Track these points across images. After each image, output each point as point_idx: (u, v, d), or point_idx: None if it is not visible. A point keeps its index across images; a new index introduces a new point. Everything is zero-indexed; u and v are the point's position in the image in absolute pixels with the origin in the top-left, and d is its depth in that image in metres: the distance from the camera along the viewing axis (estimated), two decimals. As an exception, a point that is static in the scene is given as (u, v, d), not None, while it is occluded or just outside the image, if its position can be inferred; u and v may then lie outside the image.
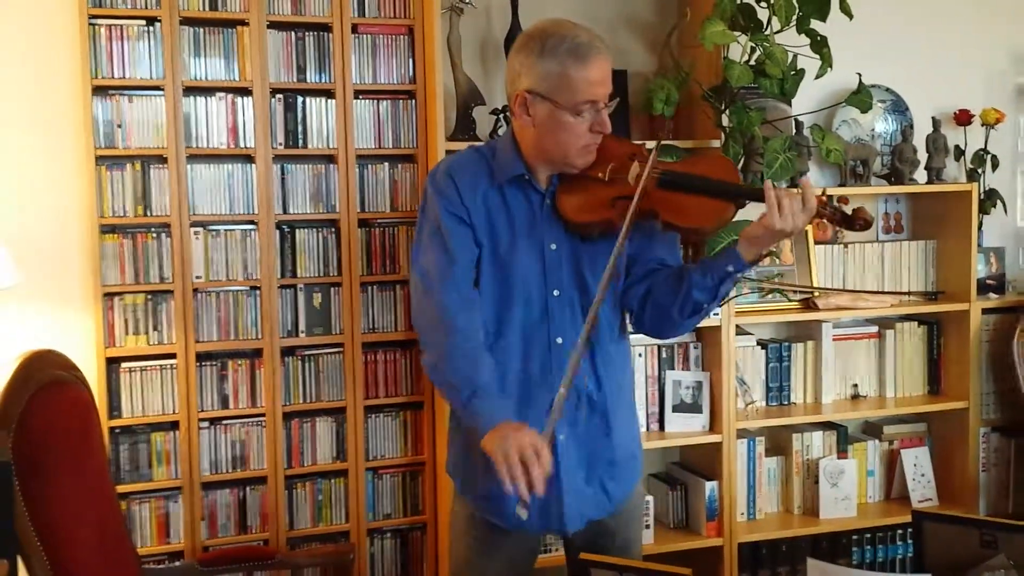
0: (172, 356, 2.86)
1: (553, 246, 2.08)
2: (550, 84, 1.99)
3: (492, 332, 2.08)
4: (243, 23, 2.86)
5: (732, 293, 3.11)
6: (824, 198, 1.96)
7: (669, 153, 3.01)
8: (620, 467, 2.18)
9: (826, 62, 2.98)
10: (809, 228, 3.45)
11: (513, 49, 2.07)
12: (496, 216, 2.09)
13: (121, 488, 2.79)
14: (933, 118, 3.45)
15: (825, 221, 2.01)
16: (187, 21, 2.83)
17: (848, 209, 1.99)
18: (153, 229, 2.84)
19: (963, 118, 3.53)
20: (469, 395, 1.95)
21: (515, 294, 2.08)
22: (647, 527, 3.19)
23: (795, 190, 1.96)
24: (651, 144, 3.03)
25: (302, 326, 2.97)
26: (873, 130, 3.54)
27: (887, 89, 3.54)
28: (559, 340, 2.07)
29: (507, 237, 2.08)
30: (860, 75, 3.09)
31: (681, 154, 3.05)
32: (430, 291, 2.05)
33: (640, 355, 3.22)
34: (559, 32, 2.00)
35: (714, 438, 3.21)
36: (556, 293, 2.08)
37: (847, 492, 3.39)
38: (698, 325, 2.23)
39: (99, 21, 2.74)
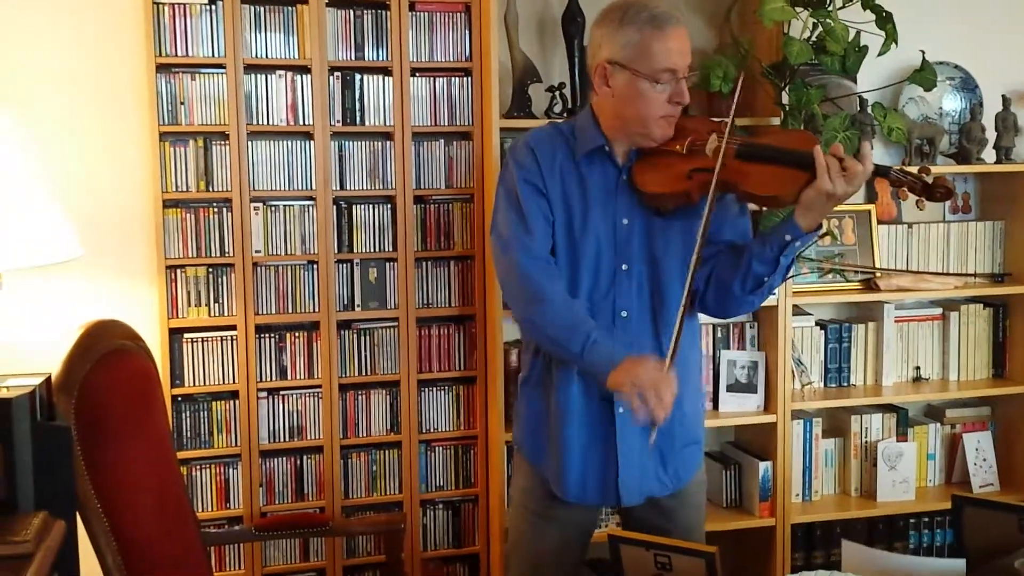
0: (232, 328, 2.94)
1: (625, 220, 2.12)
2: (629, 53, 2.03)
3: None
4: (303, 1, 2.91)
5: (791, 272, 3.09)
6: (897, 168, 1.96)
7: (745, 130, 2.98)
8: (683, 449, 2.22)
9: (890, 38, 2.91)
10: (872, 207, 3.40)
11: (594, 23, 2.12)
12: (571, 189, 2.13)
13: (182, 454, 2.89)
14: (1003, 96, 3.35)
15: (906, 190, 1.99)
16: (248, 0, 2.88)
17: (929, 178, 1.97)
18: (214, 204, 2.91)
19: (1034, 96, 3.43)
20: (582, 344, 2.02)
21: (583, 265, 2.12)
22: (699, 506, 3.19)
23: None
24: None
25: (358, 300, 3.03)
26: (941, 108, 3.45)
27: (956, 66, 3.44)
28: (624, 314, 2.12)
29: (580, 209, 2.12)
30: (923, 52, 3.02)
31: (750, 132, 3.03)
32: (508, 251, 2.12)
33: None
34: (639, 2, 2.04)
35: (768, 418, 3.19)
36: (624, 267, 2.12)
37: (905, 475, 3.34)
38: (761, 304, 2.22)
39: (163, 1, 2.81)
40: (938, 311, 3.46)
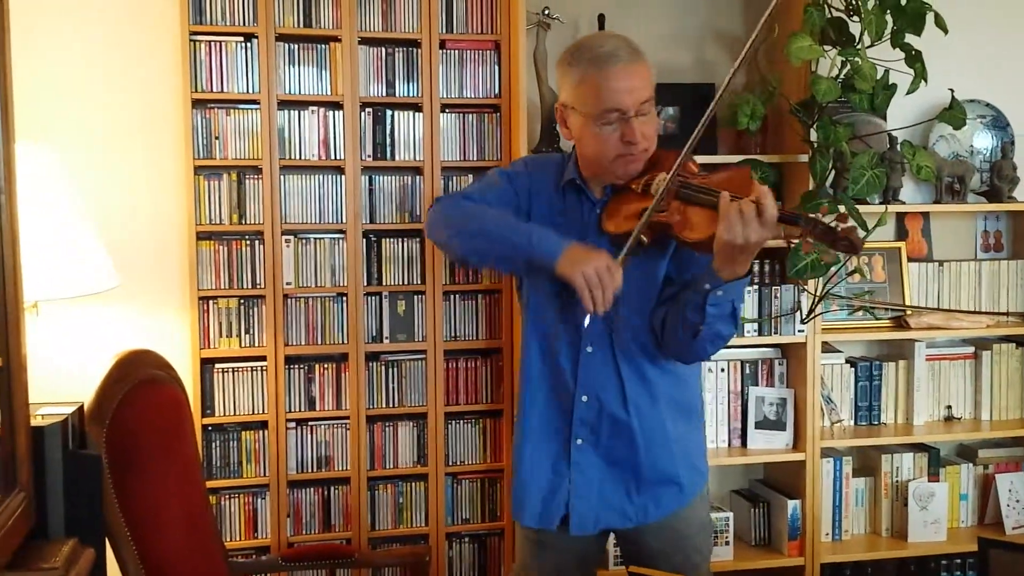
0: (263, 359, 2.98)
1: None
2: (576, 95, 2.04)
3: (529, 322, 2.16)
4: (336, 39, 2.96)
5: (819, 309, 3.09)
6: (798, 212, 1.87)
7: (754, 168, 2.99)
8: (655, 487, 2.17)
9: (919, 76, 2.91)
10: (902, 244, 3.38)
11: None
12: (554, 216, 2.15)
13: (212, 484, 2.92)
14: (1035, 134, 3.34)
15: (809, 239, 1.89)
16: (282, 37, 2.94)
17: (836, 224, 1.86)
18: (247, 237, 2.95)
19: (1067, 134, 3.41)
20: (527, 236, 2.01)
21: (551, 294, 2.12)
22: (727, 543, 3.17)
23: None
24: (736, 159, 3.05)
25: (386, 332, 3.05)
26: (972, 146, 3.44)
27: (987, 104, 3.43)
28: (589, 349, 2.11)
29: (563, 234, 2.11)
30: (952, 91, 3.02)
31: (766, 170, 3.03)
32: (454, 198, 2.17)
33: (723, 370, 3.20)
34: (586, 43, 2.06)
35: (797, 456, 3.17)
36: None
37: (937, 516, 3.29)
38: (716, 352, 2.13)
39: (199, 37, 2.87)
40: (970, 350, 3.43)
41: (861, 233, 1.94)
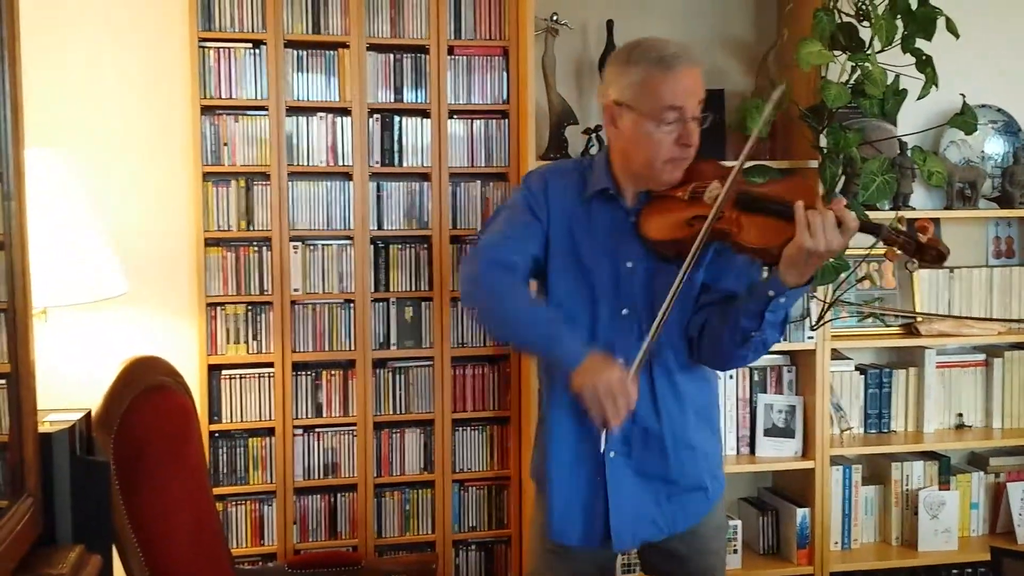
0: (270, 365, 2.97)
1: (629, 264, 2.08)
2: (634, 92, 2.00)
3: None
4: (344, 45, 2.96)
5: (829, 316, 3.07)
6: (897, 224, 1.87)
7: (762, 173, 2.98)
8: (683, 495, 2.16)
9: (930, 81, 2.90)
10: (912, 251, 3.36)
11: (607, 63, 2.11)
12: (578, 226, 2.11)
13: (218, 490, 2.91)
14: (1047, 140, 3.32)
15: (896, 250, 1.90)
16: (291, 44, 2.94)
17: (922, 237, 1.86)
18: (255, 243, 2.95)
19: (1080, 140, 3.39)
20: (548, 339, 1.98)
21: (583, 306, 2.09)
22: (735, 551, 3.15)
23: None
24: (746, 165, 3.04)
25: (393, 339, 3.05)
26: (983, 151, 3.42)
27: (999, 110, 3.42)
28: (620, 360, 2.05)
29: (587, 247, 2.10)
30: (964, 96, 3.00)
31: (774, 174, 3.02)
32: (477, 256, 2.11)
33: (731, 377, 3.19)
34: (647, 43, 2.03)
35: (806, 464, 3.15)
36: (624, 312, 2.08)
37: (948, 524, 3.27)
38: (756, 360, 2.14)
39: (208, 44, 2.87)
40: (981, 357, 3.41)
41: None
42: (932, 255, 1.87)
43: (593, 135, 3.03)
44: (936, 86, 2.92)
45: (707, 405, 2.23)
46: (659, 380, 2.10)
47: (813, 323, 3.09)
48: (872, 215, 2.99)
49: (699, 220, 1.98)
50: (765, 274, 2.04)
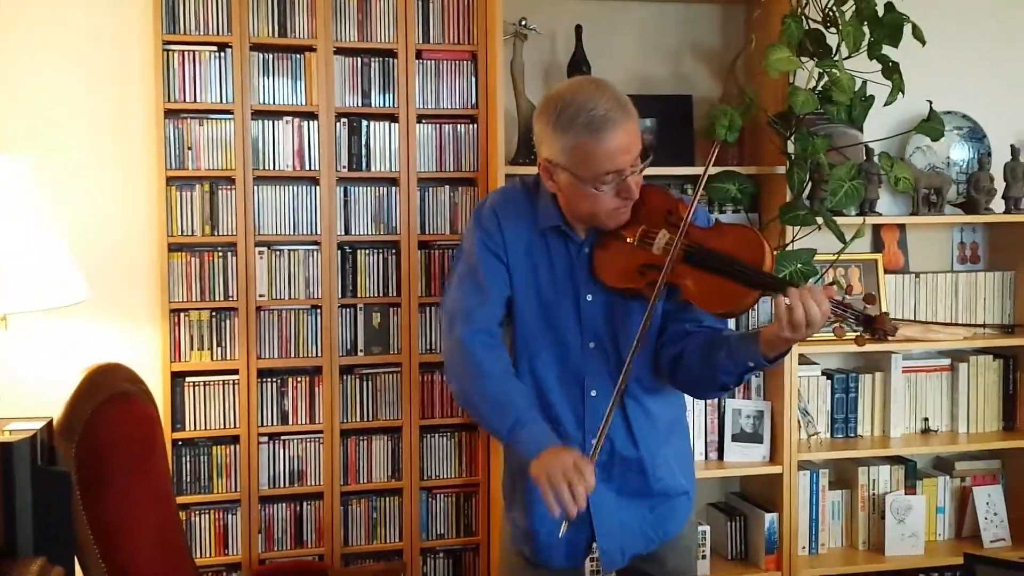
0: (235, 372, 2.93)
1: (589, 297, 2.06)
2: (567, 158, 1.94)
3: (526, 373, 2.09)
4: (311, 49, 2.93)
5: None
6: (838, 297, 1.86)
7: (732, 180, 2.98)
8: (668, 503, 2.17)
9: (897, 88, 2.92)
10: (879, 256, 3.39)
11: (535, 112, 2.02)
12: (539, 259, 2.08)
13: (182, 499, 2.87)
14: (1012, 146, 3.34)
15: (842, 325, 1.90)
16: (257, 47, 2.91)
17: (872, 310, 1.88)
18: (219, 248, 2.91)
19: (1044, 146, 3.42)
20: (511, 426, 1.95)
21: (551, 340, 2.07)
22: (703, 557, 3.15)
23: (814, 287, 1.85)
24: (714, 171, 3.04)
25: (361, 345, 3.02)
26: (948, 158, 3.45)
27: (964, 116, 3.45)
28: (593, 393, 2.06)
29: (548, 280, 2.07)
30: (931, 102, 3.02)
31: (743, 181, 3.02)
32: (453, 328, 2.06)
33: (700, 382, 3.18)
34: (575, 103, 1.91)
35: (774, 469, 3.16)
36: (592, 345, 2.07)
37: (914, 529, 3.29)
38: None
39: (172, 47, 2.84)
40: (947, 362, 3.43)
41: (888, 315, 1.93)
42: (880, 333, 1.86)
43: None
44: (903, 92, 2.94)
45: (678, 416, 2.24)
46: (632, 411, 2.09)
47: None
48: (840, 221, 3.01)
49: (649, 270, 1.98)
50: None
